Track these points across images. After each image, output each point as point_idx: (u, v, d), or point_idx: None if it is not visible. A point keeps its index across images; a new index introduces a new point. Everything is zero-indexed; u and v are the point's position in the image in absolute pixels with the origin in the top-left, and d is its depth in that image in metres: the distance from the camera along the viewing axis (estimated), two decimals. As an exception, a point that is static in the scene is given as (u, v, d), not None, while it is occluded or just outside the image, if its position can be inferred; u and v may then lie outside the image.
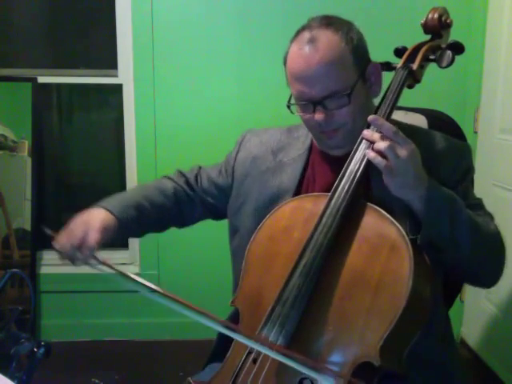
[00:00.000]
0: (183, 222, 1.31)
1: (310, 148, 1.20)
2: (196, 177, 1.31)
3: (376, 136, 0.98)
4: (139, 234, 1.28)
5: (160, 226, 1.29)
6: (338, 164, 1.11)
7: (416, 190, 0.97)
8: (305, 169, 1.17)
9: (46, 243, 2.63)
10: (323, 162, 1.17)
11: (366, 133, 1.00)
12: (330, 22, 1.08)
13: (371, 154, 0.96)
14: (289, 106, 1.12)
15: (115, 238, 1.13)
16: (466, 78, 2.40)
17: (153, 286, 0.97)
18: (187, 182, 1.30)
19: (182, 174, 1.32)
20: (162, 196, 1.25)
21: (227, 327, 0.97)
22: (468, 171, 1.12)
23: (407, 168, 0.95)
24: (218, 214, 1.31)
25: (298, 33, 1.09)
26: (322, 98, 1.04)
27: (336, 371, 0.93)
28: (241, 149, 1.28)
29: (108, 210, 1.14)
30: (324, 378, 0.91)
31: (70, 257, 1.06)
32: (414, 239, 0.97)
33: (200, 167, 1.35)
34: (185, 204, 1.28)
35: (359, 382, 0.89)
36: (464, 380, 1.17)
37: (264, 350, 0.95)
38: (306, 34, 1.06)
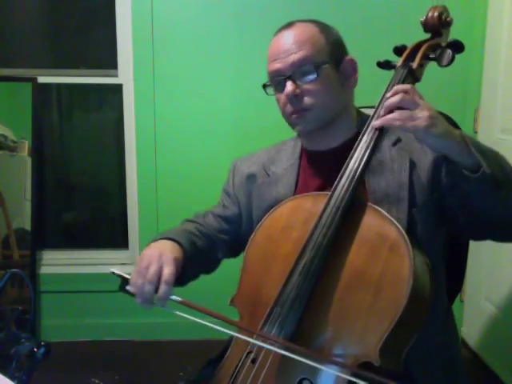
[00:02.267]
0: (211, 264, 1.26)
1: (300, 156, 1.21)
2: (204, 218, 1.27)
3: (395, 88, 0.96)
4: (198, 272, 1.19)
5: (198, 271, 1.21)
6: (322, 161, 1.15)
7: (453, 139, 0.93)
8: (298, 177, 1.18)
9: (46, 243, 2.65)
10: (312, 164, 1.18)
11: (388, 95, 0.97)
12: (311, 19, 1.16)
13: (395, 115, 0.93)
14: (264, 87, 1.16)
15: (181, 273, 1.06)
16: (466, 78, 2.40)
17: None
18: (201, 225, 1.26)
19: (191, 221, 1.27)
20: (195, 237, 1.19)
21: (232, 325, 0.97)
22: None
23: (435, 119, 0.92)
24: (235, 249, 1.27)
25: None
26: (292, 69, 1.09)
27: (340, 362, 0.93)
28: (235, 175, 1.29)
29: (174, 240, 1.09)
30: (327, 369, 0.90)
31: (148, 298, 0.97)
32: (414, 238, 0.97)
33: (202, 212, 1.30)
34: (210, 245, 1.23)
35: (363, 372, 0.88)
36: (466, 376, 1.17)
37: (266, 346, 0.94)
38: (285, 24, 1.15)
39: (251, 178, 1.25)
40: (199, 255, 1.16)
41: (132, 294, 0.99)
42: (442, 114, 1.37)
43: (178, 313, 0.96)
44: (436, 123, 0.92)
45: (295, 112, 1.12)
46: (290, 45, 1.10)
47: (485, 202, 0.96)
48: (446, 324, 1.17)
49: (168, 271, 0.98)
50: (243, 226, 1.25)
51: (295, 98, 1.09)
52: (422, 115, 0.92)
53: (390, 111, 0.95)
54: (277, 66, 1.11)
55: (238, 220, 1.26)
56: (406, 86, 0.96)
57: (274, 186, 1.19)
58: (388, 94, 0.97)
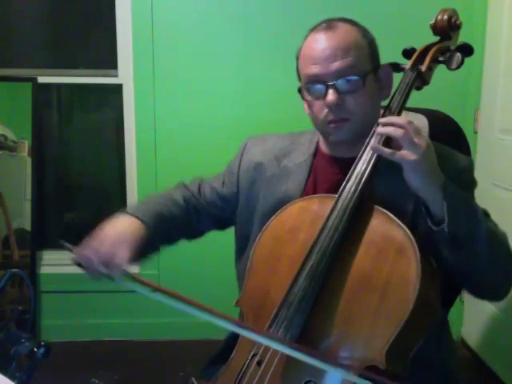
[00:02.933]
0: (192, 233, 1.28)
1: (315, 153, 1.19)
2: (199, 189, 1.28)
3: (393, 120, 0.97)
4: (159, 246, 1.23)
5: (173, 239, 1.26)
6: (341, 167, 1.11)
7: (433, 185, 0.94)
8: (310, 174, 1.17)
9: (46, 243, 2.64)
10: (327, 166, 1.16)
11: (382, 119, 0.99)
12: (347, 19, 1.11)
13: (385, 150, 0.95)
14: (300, 90, 1.11)
15: (141, 252, 1.07)
16: (466, 78, 2.40)
17: (192, 301, 0.94)
18: (192, 195, 1.27)
19: (185, 186, 1.29)
20: (175, 206, 1.21)
21: (239, 325, 0.98)
22: (469, 186, 1.10)
23: (424, 159, 0.93)
24: (222, 224, 1.30)
25: (314, 26, 1.11)
26: (336, 77, 1.04)
27: (346, 364, 0.92)
28: (243, 157, 1.27)
29: (138, 218, 1.10)
30: (334, 372, 0.90)
31: (96, 274, 1.00)
32: (421, 242, 0.97)
33: (201, 179, 1.31)
34: (193, 215, 1.25)
35: (370, 373, 0.87)
36: (464, 380, 1.17)
37: (275, 345, 0.94)
38: (323, 24, 1.09)
39: (259, 166, 1.22)
40: (173, 227, 1.19)
41: (82, 267, 1.01)
42: (444, 115, 1.38)
43: (133, 287, 0.97)
44: (419, 168, 0.94)
45: (334, 121, 1.07)
46: (334, 50, 1.04)
47: (443, 248, 0.97)
48: (441, 333, 1.15)
49: (122, 255, 0.99)
50: (238, 208, 1.24)
51: (336, 107, 1.05)
52: (410, 156, 0.93)
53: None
54: (317, 70, 1.05)
55: (234, 200, 1.25)
56: (404, 123, 0.95)
57: (285, 180, 1.17)
58: (382, 120, 0.98)
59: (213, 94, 2.43)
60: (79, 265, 1.01)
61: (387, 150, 0.95)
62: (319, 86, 1.06)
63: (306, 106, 1.14)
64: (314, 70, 1.06)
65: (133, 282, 0.98)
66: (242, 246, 1.22)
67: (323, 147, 1.19)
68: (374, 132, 1.01)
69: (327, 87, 1.04)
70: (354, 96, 1.05)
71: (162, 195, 1.25)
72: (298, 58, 1.12)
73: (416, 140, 0.93)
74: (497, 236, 1.02)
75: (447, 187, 0.95)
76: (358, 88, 1.04)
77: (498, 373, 2.20)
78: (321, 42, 1.06)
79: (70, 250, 1.02)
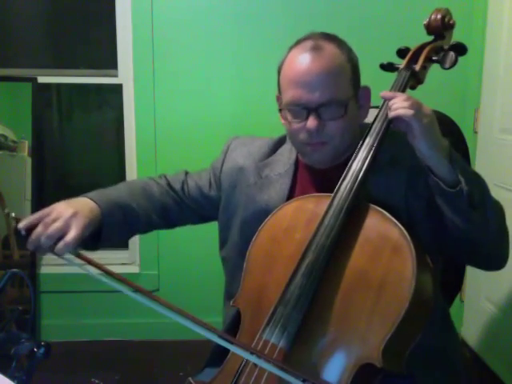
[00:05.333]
0: (169, 226, 1.29)
1: (296, 163, 1.19)
2: (183, 184, 1.28)
3: (398, 95, 0.98)
4: (123, 237, 1.23)
5: (144, 230, 1.26)
6: (321, 177, 1.12)
7: (441, 151, 0.94)
8: (292, 184, 1.17)
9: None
10: (307, 176, 1.17)
11: (386, 94, 1.00)
12: (332, 37, 1.10)
13: (401, 111, 0.94)
14: (281, 110, 1.11)
15: (95, 236, 1.08)
16: (466, 78, 2.40)
17: (135, 286, 0.93)
18: (172, 189, 1.27)
19: (166, 179, 1.29)
20: (148, 201, 1.21)
21: (223, 338, 0.96)
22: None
23: (433, 125, 0.94)
24: (204, 219, 1.31)
25: (299, 41, 1.09)
26: (319, 104, 1.04)
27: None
28: (226, 159, 1.27)
29: (94, 201, 1.11)
30: None
31: (39, 248, 0.97)
32: (417, 241, 0.97)
33: (186, 173, 1.32)
34: (171, 210, 1.25)
35: None
36: (467, 375, 1.17)
37: (260, 364, 0.94)
38: (309, 42, 1.07)
39: (241, 171, 1.22)
40: (138, 219, 1.18)
41: (25, 239, 0.97)
42: (443, 115, 1.38)
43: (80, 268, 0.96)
44: (428, 133, 0.93)
45: (312, 145, 1.08)
46: (318, 77, 1.03)
47: (457, 217, 0.97)
48: (443, 324, 1.17)
49: (73, 234, 0.97)
50: (220, 211, 1.24)
51: (316, 132, 1.05)
52: (423, 114, 0.93)
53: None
54: (301, 95, 1.04)
55: (217, 201, 1.25)
56: (406, 100, 0.97)
57: (267, 189, 1.18)
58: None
59: (213, 93, 2.43)
60: (22, 235, 0.98)
61: (402, 111, 0.95)
62: (301, 110, 1.06)
63: (282, 118, 1.13)
64: (297, 94, 1.05)
65: (80, 263, 0.96)
66: (222, 243, 1.25)
67: (302, 159, 1.19)
68: (370, 130, 1.03)
69: (309, 112, 1.04)
70: (334, 123, 1.05)
71: (135, 186, 1.24)
72: (279, 72, 1.11)
73: (422, 109, 0.94)
74: (497, 203, 1.07)
75: (453, 152, 0.96)
76: (339, 116, 1.05)
77: (497, 373, 2.20)
78: (306, 65, 1.04)
79: (17, 220, 0.99)
